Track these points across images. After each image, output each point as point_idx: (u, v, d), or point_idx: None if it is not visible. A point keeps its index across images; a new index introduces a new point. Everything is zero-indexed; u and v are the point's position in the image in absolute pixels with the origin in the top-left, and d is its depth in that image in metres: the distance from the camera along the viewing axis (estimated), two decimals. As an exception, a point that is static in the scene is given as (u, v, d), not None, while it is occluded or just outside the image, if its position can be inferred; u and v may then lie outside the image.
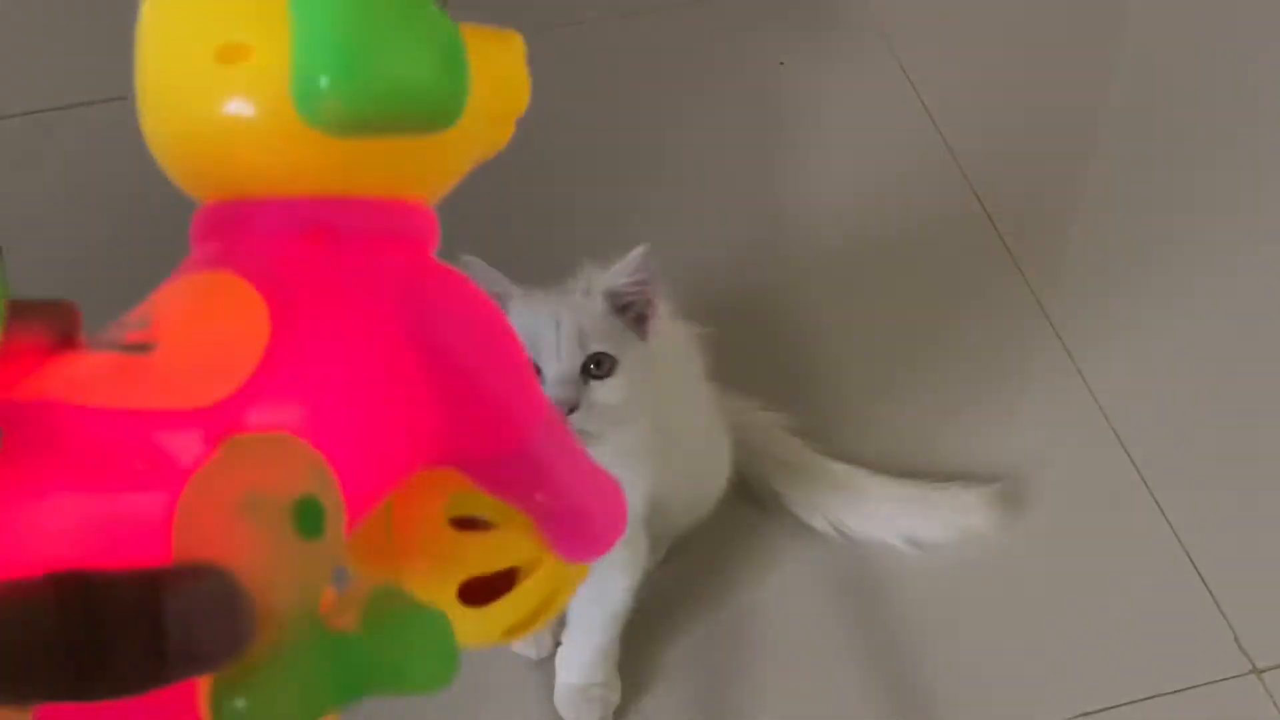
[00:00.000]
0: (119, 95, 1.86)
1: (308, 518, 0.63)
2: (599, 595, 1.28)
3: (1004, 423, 1.52)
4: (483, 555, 0.82)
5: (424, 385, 0.71)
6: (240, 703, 0.56)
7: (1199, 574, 1.41)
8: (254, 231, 0.73)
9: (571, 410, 1.12)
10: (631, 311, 1.15)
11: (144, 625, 0.52)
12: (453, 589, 0.81)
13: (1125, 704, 1.33)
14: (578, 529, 0.81)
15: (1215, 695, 1.35)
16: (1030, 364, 1.58)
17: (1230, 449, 1.51)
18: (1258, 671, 1.36)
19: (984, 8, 1.91)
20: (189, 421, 0.63)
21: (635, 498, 1.22)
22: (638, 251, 1.14)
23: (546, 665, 1.33)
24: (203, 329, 0.68)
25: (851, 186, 1.71)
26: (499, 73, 0.85)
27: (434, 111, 0.74)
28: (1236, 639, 1.38)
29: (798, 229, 1.69)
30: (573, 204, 1.68)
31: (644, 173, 1.72)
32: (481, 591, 0.82)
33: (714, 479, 1.37)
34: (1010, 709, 1.34)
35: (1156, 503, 1.46)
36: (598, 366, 1.13)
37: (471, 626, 0.80)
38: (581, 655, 1.31)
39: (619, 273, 1.14)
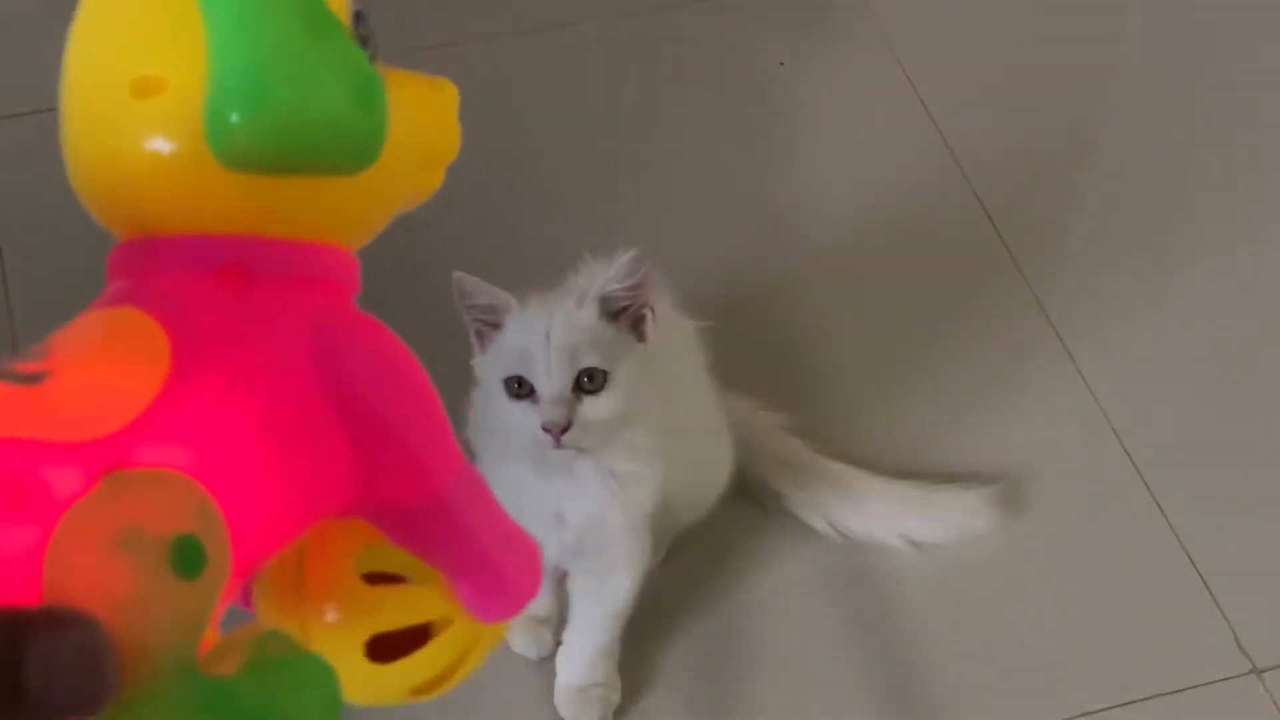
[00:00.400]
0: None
1: (186, 558, 0.62)
2: (601, 594, 1.28)
3: (1003, 422, 1.52)
4: (393, 610, 0.80)
5: (334, 432, 0.71)
6: None
7: (1199, 574, 1.41)
8: (165, 269, 0.73)
9: (565, 430, 1.12)
10: (627, 315, 1.15)
11: (4, 673, 0.50)
12: (360, 642, 0.79)
13: (1125, 704, 1.33)
14: (490, 587, 0.79)
15: (1215, 695, 1.35)
16: (1030, 363, 1.58)
17: (1230, 449, 1.51)
18: (1258, 671, 1.36)
19: (984, 7, 1.91)
20: (71, 455, 0.62)
21: (645, 493, 1.22)
22: (628, 256, 1.14)
23: (546, 665, 1.33)
24: (99, 363, 0.66)
25: (852, 186, 1.71)
26: (427, 117, 0.82)
27: (348, 152, 0.73)
28: (1236, 639, 1.38)
29: (798, 228, 1.69)
30: (575, 202, 1.68)
31: (645, 171, 1.72)
32: (391, 648, 0.80)
33: (716, 474, 1.37)
34: (1010, 709, 1.34)
35: (1156, 502, 1.46)
36: (590, 381, 1.13)
37: (377, 683, 0.78)
38: (582, 655, 1.31)
39: (611, 279, 1.14)
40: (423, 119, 0.80)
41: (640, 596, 1.29)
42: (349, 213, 0.77)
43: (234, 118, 0.69)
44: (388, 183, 0.78)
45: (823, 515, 1.42)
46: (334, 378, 0.71)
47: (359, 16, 0.78)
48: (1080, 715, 1.33)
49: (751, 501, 1.44)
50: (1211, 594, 1.40)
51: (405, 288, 1.58)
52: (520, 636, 1.35)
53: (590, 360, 1.13)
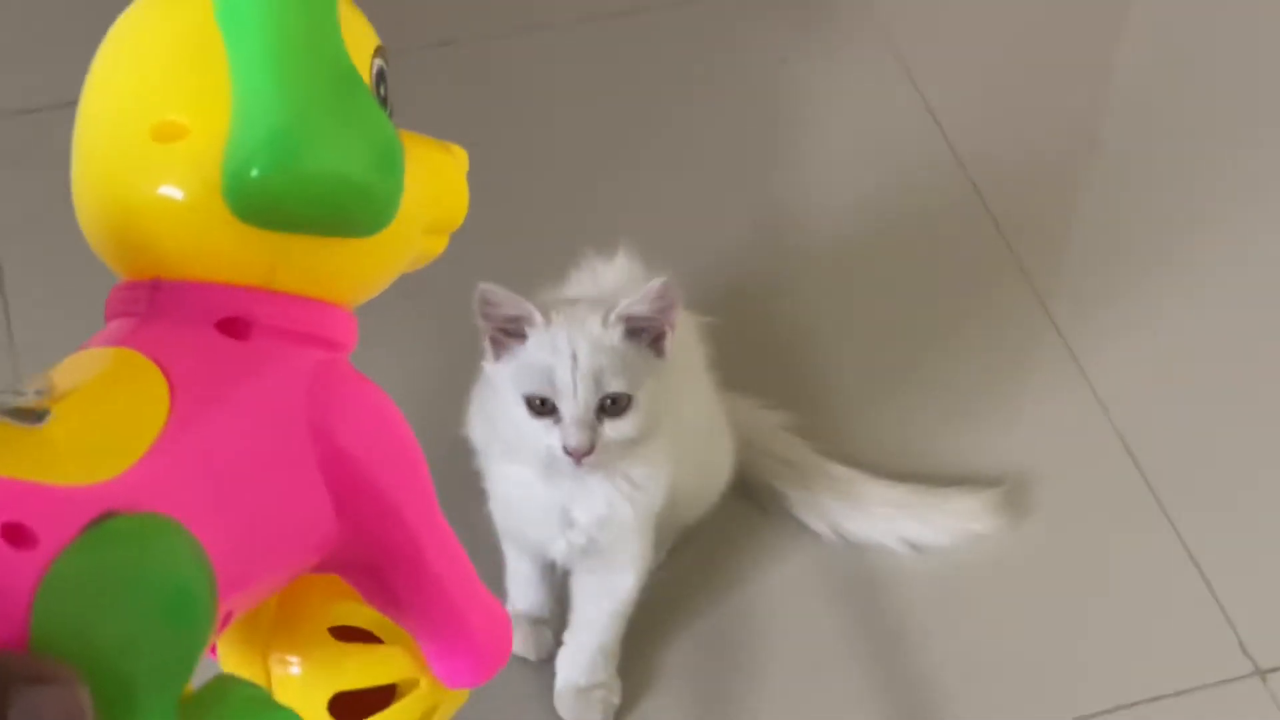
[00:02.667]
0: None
1: (177, 606, 0.62)
2: (604, 592, 1.28)
3: (1006, 424, 1.51)
4: (359, 668, 0.80)
5: (321, 486, 0.71)
6: None
7: (1202, 575, 1.41)
8: (169, 314, 0.72)
9: (588, 452, 1.12)
10: (648, 334, 1.14)
11: None
12: (324, 699, 0.78)
13: (1128, 706, 1.33)
14: (459, 651, 0.80)
15: (1219, 697, 1.34)
16: (1032, 363, 1.57)
17: (1235, 451, 1.51)
18: (1261, 673, 1.36)
19: (987, 5, 1.91)
20: (67, 498, 0.61)
21: (656, 494, 1.21)
22: (659, 282, 1.13)
23: (546, 666, 1.33)
24: (99, 406, 0.66)
25: (853, 185, 1.70)
26: (439, 183, 0.82)
27: (365, 215, 0.73)
28: (1240, 641, 1.37)
29: (799, 227, 1.68)
30: (576, 198, 1.67)
31: (647, 168, 1.72)
32: (355, 707, 0.80)
33: (718, 472, 1.37)
34: (1011, 711, 1.34)
35: (1160, 505, 1.45)
36: (614, 404, 1.12)
37: None
38: (583, 655, 1.30)
39: (639, 301, 1.13)
40: (434, 184, 0.80)
41: (641, 596, 1.29)
42: (353, 273, 0.77)
43: (254, 172, 0.69)
44: (395, 246, 0.78)
45: (823, 517, 1.41)
46: (325, 433, 0.71)
47: (381, 75, 0.78)
48: (1081, 717, 1.33)
49: (751, 501, 1.43)
50: (1215, 596, 1.40)
51: (405, 287, 1.58)
52: (520, 638, 1.34)
53: (616, 386, 1.12)
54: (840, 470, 1.43)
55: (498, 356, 1.15)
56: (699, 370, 1.31)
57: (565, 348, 1.12)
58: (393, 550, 0.74)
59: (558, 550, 1.23)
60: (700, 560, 1.40)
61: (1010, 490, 1.44)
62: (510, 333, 1.14)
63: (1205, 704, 1.34)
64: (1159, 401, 1.54)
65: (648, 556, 1.27)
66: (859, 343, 1.57)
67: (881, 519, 1.41)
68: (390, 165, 0.73)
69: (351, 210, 0.72)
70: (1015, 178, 1.71)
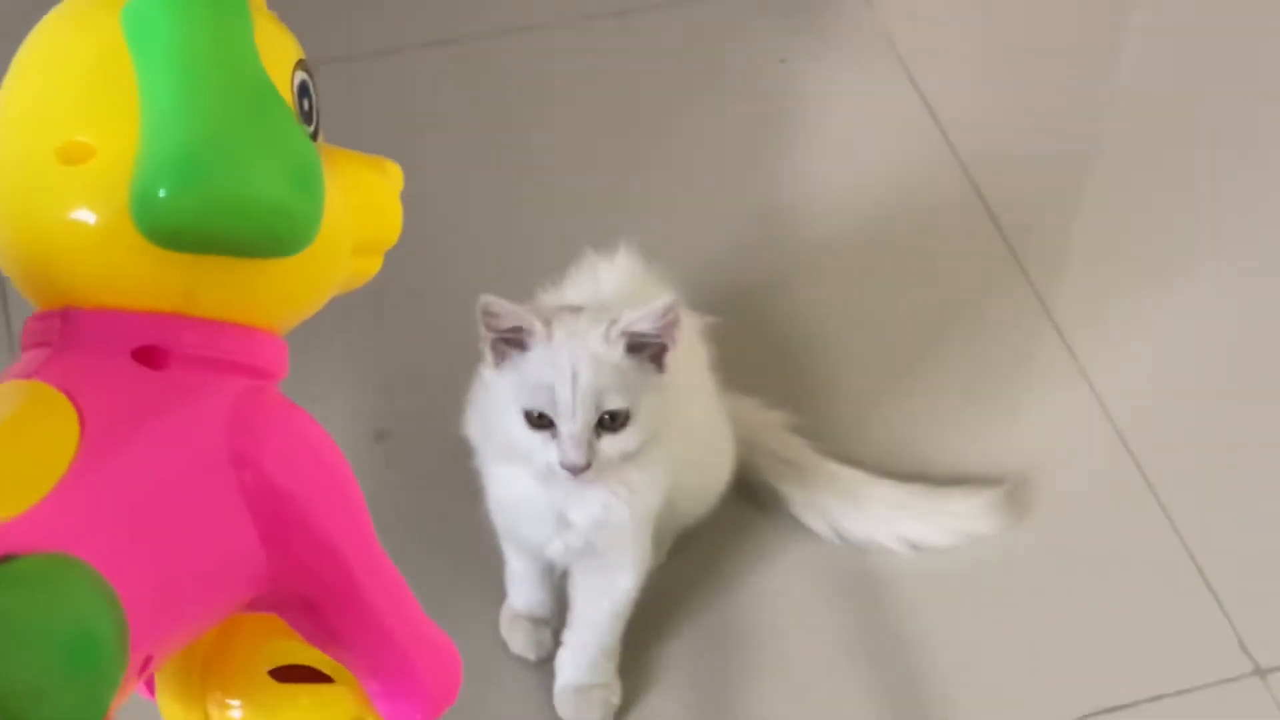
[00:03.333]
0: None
1: (82, 653, 0.59)
2: (603, 592, 1.27)
3: (1006, 424, 1.51)
4: (300, 709, 0.77)
5: (247, 521, 0.68)
6: None
7: (1202, 575, 1.41)
8: (82, 344, 0.69)
9: (583, 470, 1.12)
10: (650, 349, 1.14)
11: None
12: None
13: (1128, 705, 1.33)
14: (404, 692, 0.76)
15: (1218, 696, 1.34)
16: (1033, 364, 1.57)
17: (1235, 450, 1.51)
18: (1261, 673, 1.36)
19: (986, 5, 1.91)
20: None
21: (653, 496, 1.21)
22: (663, 302, 1.12)
23: (546, 667, 1.33)
24: (6, 443, 0.63)
25: (853, 184, 1.70)
26: (368, 201, 0.78)
27: (281, 235, 0.69)
28: (1240, 640, 1.37)
29: (799, 226, 1.68)
30: (576, 197, 1.67)
31: (647, 168, 1.72)
32: None
33: (719, 471, 1.36)
34: (1012, 711, 1.34)
35: (1160, 504, 1.45)
36: (612, 420, 1.12)
37: None
38: (583, 655, 1.30)
39: (643, 319, 1.12)
40: (362, 203, 0.77)
41: (640, 596, 1.29)
42: (278, 296, 0.74)
43: (161, 193, 0.66)
44: (321, 267, 0.75)
45: (823, 517, 1.41)
46: (250, 465, 0.69)
47: (304, 90, 0.74)
48: (1082, 717, 1.33)
49: (751, 501, 1.43)
50: (1215, 595, 1.40)
51: (406, 286, 1.58)
52: (520, 638, 1.34)
53: (615, 403, 1.12)
54: (840, 470, 1.42)
55: (498, 364, 1.14)
56: (701, 370, 1.31)
57: (566, 364, 1.11)
58: (329, 587, 0.72)
59: (554, 551, 1.22)
60: (700, 560, 1.40)
61: (1010, 490, 1.44)
62: (511, 341, 1.13)
63: (1205, 704, 1.33)
64: (1159, 401, 1.54)
65: (647, 557, 1.27)
66: (859, 342, 1.57)
67: (881, 519, 1.41)
68: (306, 183, 0.70)
69: (267, 230, 0.69)
70: (1015, 178, 1.71)
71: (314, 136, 0.75)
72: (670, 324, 1.13)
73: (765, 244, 1.65)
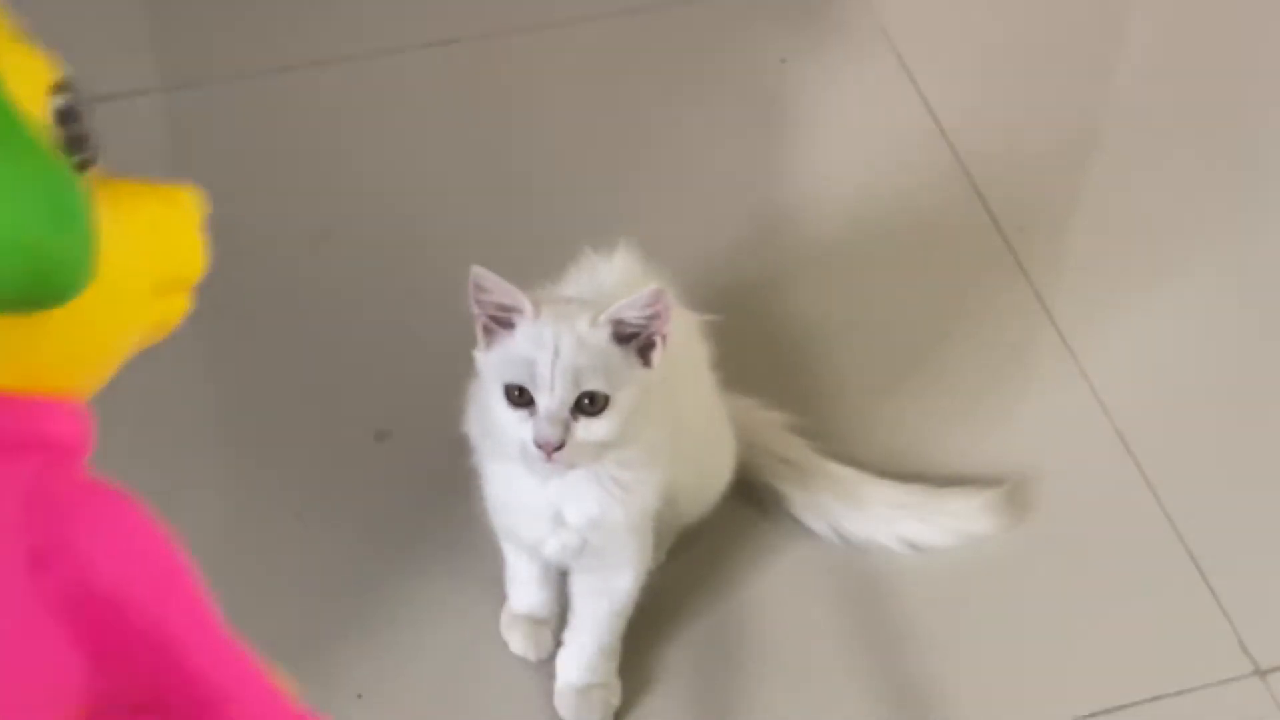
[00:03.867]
0: (118, 93, 1.85)
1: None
2: (602, 592, 1.27)
3: (1006, 424, 1.51)
4: None
5: (55, 628, 0.59)
6: None
7: (1202, 575, 1.41)
8: None
9: (558, 448, 1.12)
10: (638, 340, 1.14)
11: None
12: None
13: (1128, 705, 1.33)
14: None
15: (1218, 697, 1.34)
16: (1033, 364, 1.57)
17: (1235, 450, 1.50)
18: (1261, 673, 1.36)
19: (986, 5, 1.90)
20: None
21: (649, 495, 1.21)
22: (651, 289, 1.12)
23: (546, 667, 1.33)
24: None
25: (853, 184, 1.70)
26: (159, 237, 0.68)
27: (43, 282, 0.60)
28: (1240, 641, 1.37)
29: (800, 225, 1.68)
30: (577, 197, 1.67)
31: (648, 167, 1.71)
32: None
33: (719, 471, 1.36)
34: (1012, 710, 1.34)
35: (1160, 504, 1.45)
36: (590, 403, 1.12)
37: None
38: (583, 655, 1.30)
39: (629, 305, 1.12)
40: (152, 238, 0.67)
41: (640, 596, 1.29)
42: (63, 354, 0.64)
43: None
44: (110, 314, 0.65)
45: (823, 517, 1.41)
46: (60, 564, 0.58)
47: (67, 114, 0.65)
48: (1081, 717, 1.33)
49: (751, 501, 1.43)
50: (1214, 595, 1.40)
51: (406, 286, 1.58)
52: (520, 638, 1.34)
53: (594, 384, 1.12)
54: (840, 470, 1.42)
55: (488, 345, 1.15)
56: (700, 370, 1.31)
57: (549, 341, 1.11)
58: (179, 692, 0.62)
59: (551, 550, 1.22)
60: (700, 560, 1.40)
61: (1010, 490, 1.43)
62: (501, 322, 1.14)
63: (1205, 704, 1.33)
64: (1159, 401, 1.53)
65: (646, 558, 1.27)
66: (859, 342, 1.57)
67: (881, 519, 1.41)
68: (66, 220, 0.60)
69: (23, 277, 0.59)
70: (1015, 177, 1.71)
71: (85, 166, 0.66)
72: (657, 313, 1.12)
73: (765, 243, 1.65)
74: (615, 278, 1.24)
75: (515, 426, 1.13)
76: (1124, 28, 1.94)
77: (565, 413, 1.11)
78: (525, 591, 1.33)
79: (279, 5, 1.85)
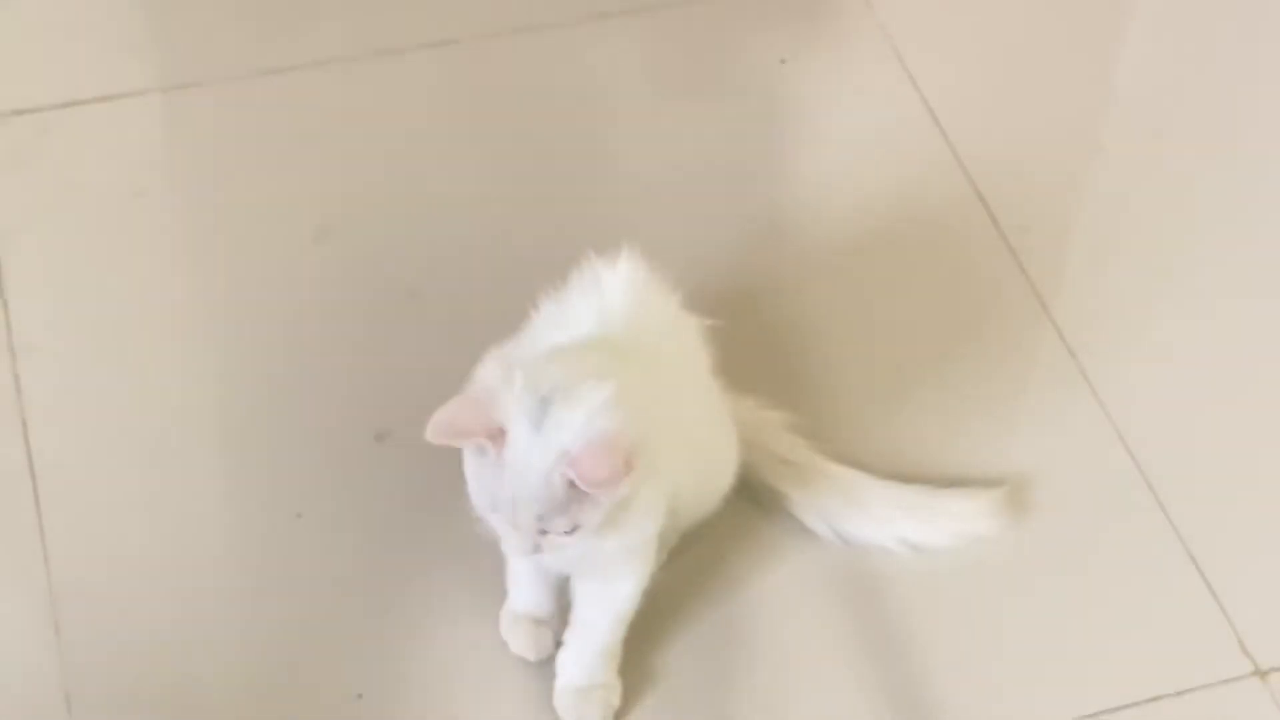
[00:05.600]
0: (118, 94, 1.86)
1: None
2: (604, 597, 1.27)
3: (1006, 425, 1.51)
4: None
5: None
6: None
7: (1202, 575, 1.41)
8: None
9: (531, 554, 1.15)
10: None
11: None
12: None
13: (1128, 706, 1.33)
14: None
15: (1218, 697, 1.34)
16: (1033, 365, 1.57)
17: (1236, 451, 1.50)
18: (1261, 673, 1.36)
19: (987, 5, 1.90)
20: None
21: (649, 526, 1.21)
22: (610, 435, 1.10)
23: (546, 667, 1.33)
24: None
25: (853, 186, 1.70)
26: None
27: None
28: (1240, 641, 1.37)
29: (800, 226, 1.68)
30: (577, 199, 1.67)
31: (647, 169, 1.71)
32: None
33: (722, 473, 1.36)
34: (1012, 710, 1.34)
35: (1161, 505, 1.45)
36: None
37: None
38: (583, 656, 1.30)
39: (593, 462, 1.09)
40: None
41: (641, 597, 1.28)
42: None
43: None
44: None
45: (823, 518, 1.41)
46: None
47: None
48: (1081, 717, 1.33)
49: (752, 502, 1.43)
50: (1215, 595, 1.40)
51: (406, 286, 1.58)
52: (519, 638, 1.34)
53: (558, 526, 1.13)
54: (841, 471, 1.42)
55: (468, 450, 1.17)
56: (702, 375, 1.31)
57: (507, 489, 1.12)
58: None
59: (547, 561, 1.23)
60: (700, 561, 1.40)
61: (1011, 491, 1.43)
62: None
63: (1205, 704, 1.33)
64: (1159, 402, 1.53)
65: (649, 563, 1.26)
66: (859, 343, 1.57)
67: (882, 520, 1.41)
68: None
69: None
70: (1015, 178, 1.71)
71: None
72: (611, 477, 1.09)
73: (765, 244, 1.65)
74: (619, 286, 1.24)
75: (492, 519, 1.15)
76: (1125, 28, 1.94)
77: (532, 535, 1.14)
78: (525, 592, 1.33)
79: (279, 5, 1.85)
